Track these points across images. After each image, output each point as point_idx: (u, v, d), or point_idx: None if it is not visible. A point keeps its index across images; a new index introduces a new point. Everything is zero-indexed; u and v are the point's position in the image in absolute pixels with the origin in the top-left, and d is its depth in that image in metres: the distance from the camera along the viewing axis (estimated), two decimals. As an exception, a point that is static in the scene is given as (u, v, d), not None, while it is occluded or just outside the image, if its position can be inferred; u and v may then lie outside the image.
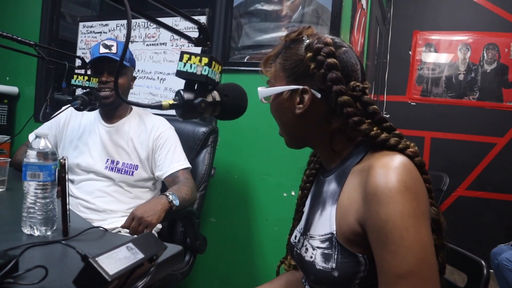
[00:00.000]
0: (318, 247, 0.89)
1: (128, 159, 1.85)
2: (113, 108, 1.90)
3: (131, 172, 1.85)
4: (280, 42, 0.98)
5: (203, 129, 2.09)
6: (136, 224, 1.43)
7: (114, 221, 1.78)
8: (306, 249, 0.93)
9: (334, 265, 0.84)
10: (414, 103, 4.14)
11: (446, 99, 4.07)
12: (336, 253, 0.85)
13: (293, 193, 2.23)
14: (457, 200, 4.01)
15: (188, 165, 1.89)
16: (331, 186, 0.94)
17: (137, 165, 1.86)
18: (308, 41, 0.91)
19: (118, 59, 1.80)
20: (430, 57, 4.12)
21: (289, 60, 0.92)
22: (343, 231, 0.84)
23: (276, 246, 2.28)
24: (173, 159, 1.86)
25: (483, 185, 3.94)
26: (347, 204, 0.85)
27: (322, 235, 0.89)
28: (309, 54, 0.88)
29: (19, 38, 1.25)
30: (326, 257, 0.86)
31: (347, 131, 0.91)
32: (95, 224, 1.72)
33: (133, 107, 1.99)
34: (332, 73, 0.86)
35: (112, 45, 1.81)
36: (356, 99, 0.88)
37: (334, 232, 0.86)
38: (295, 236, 1.04)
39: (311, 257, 0.90)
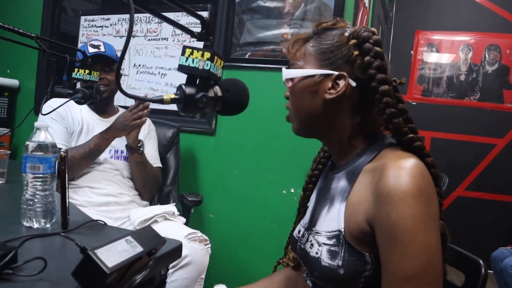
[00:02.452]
0: (325, 244, 0.88)
1: (123, 148, 1.98)
2: (108, 103, 2.04)
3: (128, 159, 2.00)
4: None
5: (172, 130, 2.36)
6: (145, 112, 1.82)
7: (121, 209, 1.91)
8: (312, 244, 0.92)
9: (340, 263, 0.83)
10: (415, 103, 4.14)
11: (447, 99, 4.07)
12: (343, 250, 0.84)
13: (292, 191, 2.23)
14: (456, 200, 4.01)
15: (161, 165, 2.14)
16: (340, 183, 0.92)
17: None
18: (350, 28, 0.90)
19: (110, 55, 1.95)
20: (432, 57, 4.11)
21: (325, 44, 0.90)
22: (352, 229, 0.84)
23: (275, 243, 2.28)
24: (154, 157, 2.08)
25: (482, 185, 3.94)
26: (357, 203, 0.84)
27: (329, 232, 0.88)
28: (353, 41, 0.87)
29: (20, 31, 1.24)
30: (332, 254, 0.85)
31: (367, 127, 0.91)
32: (109, 209, 1.87)
33: (119, 107, 2.17)
34: (377, 61, 0.85)
35: (100, 45, 1.92)
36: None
37: (342, 230, 0.85)
38: (299, 231, 1.03)
39: (317, 253, 0.89)
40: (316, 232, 0.93)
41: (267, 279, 1.21)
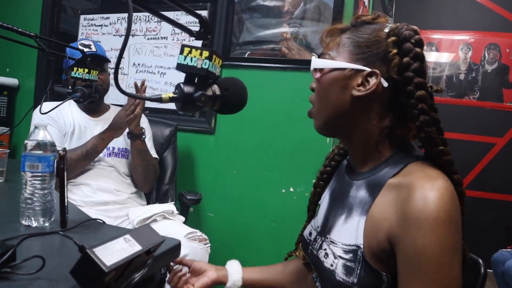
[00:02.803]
0: (341, 257, 0.83)
1: (122, 144, 2.01)
2: (98, 103, 2.05)
3: (126, 156, 2.03)
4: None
5: (169, 129, 2.35)
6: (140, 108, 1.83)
7: (120, 208, 1.92)
8: (326, 254, 0.88)
9: (355, 280, 0.80)
10: (414, 102, 4.13)
11: (446, 98, 4.07)
12: (359, 268, 0.80)
13: (291, 190, 2.23)
14: (455, 199, 4.01)
15: (156, 156, 2.14)
16: (360, 192, 0.87)
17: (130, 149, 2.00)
18: (391, 25, 0.84)
19: (102, 55, 1.99)
20: (431, 56, 4.11)
21: (362, 38, 0.85)
22: (371, 246, 0.79)
23: (274, 242, 2.28)
24: (150, 149, 2.07)
25: (481, 185, 3.94)
26: (379, 219, 0.79)
27: (346, 245, 0.84)
28: (392, 38, 0.81)
29: (19, 30, 1.24)
30: (348, 270, 0.81)
31: (396, 132, 0.86)
32: (107, 208, 1.87)
33: (111, 105, 2.18)
34: (417, 63, 0.80)
35: (90, 44, 1.94)
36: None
37: (361, 246, 0.80)
38: (310, 233, 1.00)
39: (332, 265, 0.85)
40: (332, 242, 0.88)
41: (281, 265, 1.20)
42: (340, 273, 0.82)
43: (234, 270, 1.16)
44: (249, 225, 2.37)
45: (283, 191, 2.26)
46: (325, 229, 0.93)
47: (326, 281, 0.87)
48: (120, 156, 2.00)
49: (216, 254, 2.43)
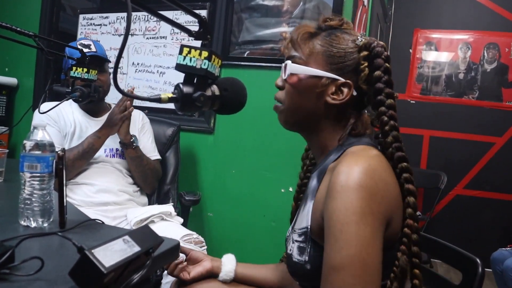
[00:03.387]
0: (296, 241, 0.92)
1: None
2: (99, 104, 2.03)
3: None
4: (303, 23, 0.98)
5: (172, 128, 2.33)
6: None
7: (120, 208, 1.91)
8: (289, 242, 0.98)
9: (307, 258, 0.87)
10: (414, 101, 4.14)
11: (445, 97, 4.07)
12: (309, 246, 0.88)
13: (290, 189, 2.23)
14: (454, 199, 4.01)
15: (159, 157, 2.13)
16: (313, 182, 0.96)
17: None
18: (363, 39, 0.92)
19: (102, 55, 1.95)
20: (431, 56, 4.11)
21: (336, 48, 0.91)
22: (314, 225, 0.87)
23: (273, 241, 2.28)
24: (150, 149, 2.07)
25: (481, 184, 3.95)
26: (318, 200, 0.87)
27: (300, 229, 0.92)
28: (364, 53, 0.90)
29: (18, 29, 1.24)
30: (301, 250, 0.89)
31: (355, 130, 0.93)
32: (107, 208, 1.86)
33: (110, 103, 2.15)
34: (386, 76, 0.89)
35: (90, 44, 1.91)
36: None
37: (309, 227, 0.89)
38: (288, 231, 1.06)
39: (290, 250, 0.94)
40: (294, 231, 0.96)
41: (274, 265, 1.25)
42: (295, 255, 0.91)
43: (228, 262, 1.22)
44: (248, 225, 2.37)
45: (282, 190, 2.26)
46: (294, 223, 1.01)
47: (288, 266, 0.96)
48: (124, 157, 1.99)
49: (216, 254, 2.43)
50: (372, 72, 0.89)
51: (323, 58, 0.91)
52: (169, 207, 1.88)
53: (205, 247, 1.77)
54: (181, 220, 1.91)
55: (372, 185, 0.77)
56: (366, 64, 0.89)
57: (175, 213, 1.90)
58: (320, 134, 0.96)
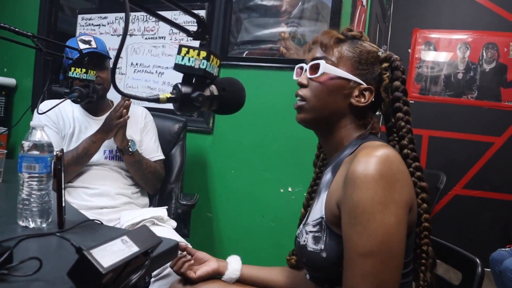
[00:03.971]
0: (310, 231, 0.97)
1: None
2: (100, 102, 1.99)
3: None
4: (326, 30, 1.06)
5: (178, 125, 2.25)
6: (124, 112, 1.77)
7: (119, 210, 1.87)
8: (302, 235, 1.01)
9: (322, 246, 0.92)
10: (413, 101, 4.13)
11: (444, 97, 4.07)
12: (325, 235, 0.93)
13: (290, 189, 2.23)
14: (453, 199, 4.01)
15: (162, 156, 2.07)
16: (327, 176, 1.02)
17: None
18: (385, 53, 1.03)
19: (103, 52, 1.91)
20: (429, 56, 4.11)
21: (361, 56, 1.01)
22: (329, 214, 0.92)
23: (273, 241, 2.28)
24: (153, 149, 2.03)
25: (480, 184, 3.95)
26: (333, 190, 0.93)
27: (314, 220, 0.97)
28: (385, 64, 1.01)
29: (16, 29, 1.24)
30: (316, 240, 0.94)
31: (373, 129, 1.02)
32: (102, 211, 1.83)
33: (113, 100, 2.10)
34: (403, 86, 1.01)
35: (91, 40, 1.88)
36: None
37: (324, 216, 0.94)
38: (299, 228, 1.09)
39: (304, 241, 0.98)
40: (307, 224, 1.01)
41: (279, 267, 1.27)
42: (310, 244, 0.95)
43: (234, 262, 1.25)
44: (247, 225, 2.36)
45: (282, 190, 2.26)
46: (306, 219, 1.05)
47: (302, 257, 0.99)
48: (121, 160, 1.94)
49: (215, 254, 2.43)
50: (391, 82, 1.00)
51: (351, 63, 1.00)
52: (161, 211, 1.82)
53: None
54: (174, 224, 1.85)
55: (391, 174, 0.82)
56: (387, 74, 1.00)
57: (167, 218, 1.83)
58: (338, 132, 1.03)
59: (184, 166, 2.24)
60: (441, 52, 4.09)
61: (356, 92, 0.99)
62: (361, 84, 1.00)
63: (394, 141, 1.01)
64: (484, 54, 3.95)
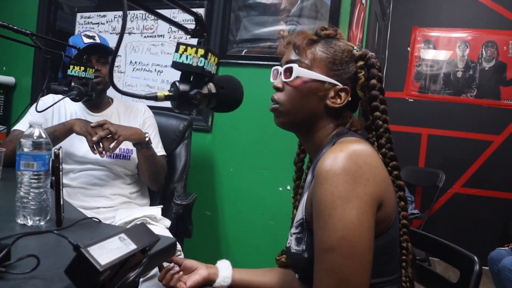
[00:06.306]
0: (294, 233, 0.97)
1: (123, 144, 1.81)
2: (100, 97, 1.95)
3: (128, 156, 1.92)
4: (298, 30, 1.07)
5: (183, 123, 2.21)
6: (104, 133, 1.66)
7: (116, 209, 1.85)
8: (288, 237, 1.02)
9: (304, 247, 0.92)
10: (412, 100, 4.14)
11: (444, 96, 4.07)
12: (306, 236, 0.93)
13: (288, 188, 2.23)
14: (452, 197, 4.02)
15: (164, 152, 2.03)
16: (308, 177, 1.04)
17: (132, 149, 1.90)
18: (359, 51, 1.00)
19: (107, 46, 1.90)
20: (429, 54, 4.12)
21: (336, 56, 0.99)
22: (307, 214, 0.92)
23: (271, 240, 2.28)
24: (154, 145, 1.95)
25: (479, 182, 3.95)
26: (310, 191, 0.92)
27: (297, 221, 0.97)
28: (361, 63, 0.99)
29: (15, 27, 1.24)
30: (298, 241, 0.95)
31: (353, 127, 1.01)
32: (98, 210, 1.81)
33: (113, 99, 2.07)
34: (380, 84, 0.98)
35: (94, 36, 1.89)
36: None
37: (304, 217, 0.93)
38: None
39: (289, 243, 0.98)
40: (292, 226, 1.01)
41: (269, 269, 1.26)
42: (293, 246, 0.95)
43: (224, 268, 1.21)
44: (246, 223, 2.37)
45: (280, 189, 2.26)
46: (292, 222, 1.07)
47: (288, 259, 1.00)
48: (121, 158, 1.91)
49: (214, 253, 2.44)
50: (367, 80, 0.98)
51: (325, 64, 0.99)
52: (154, 210, 1.80)
53: (181, 255, 1.69)
54: (168, 223, 1.82)
55: (355, 169, 0.81)
56: (363, 72, 0.98)
57: (161, 217, 1.80)
58: (317, 133, 1.01)
59: (188, 165, 2.19)
60: (441, 50, 4.09)
61: (331, 94, 0.98)
62: (337, 85, 0.98)
63: (373, 140, 1.01)
64: (484, 52, 3.96)
